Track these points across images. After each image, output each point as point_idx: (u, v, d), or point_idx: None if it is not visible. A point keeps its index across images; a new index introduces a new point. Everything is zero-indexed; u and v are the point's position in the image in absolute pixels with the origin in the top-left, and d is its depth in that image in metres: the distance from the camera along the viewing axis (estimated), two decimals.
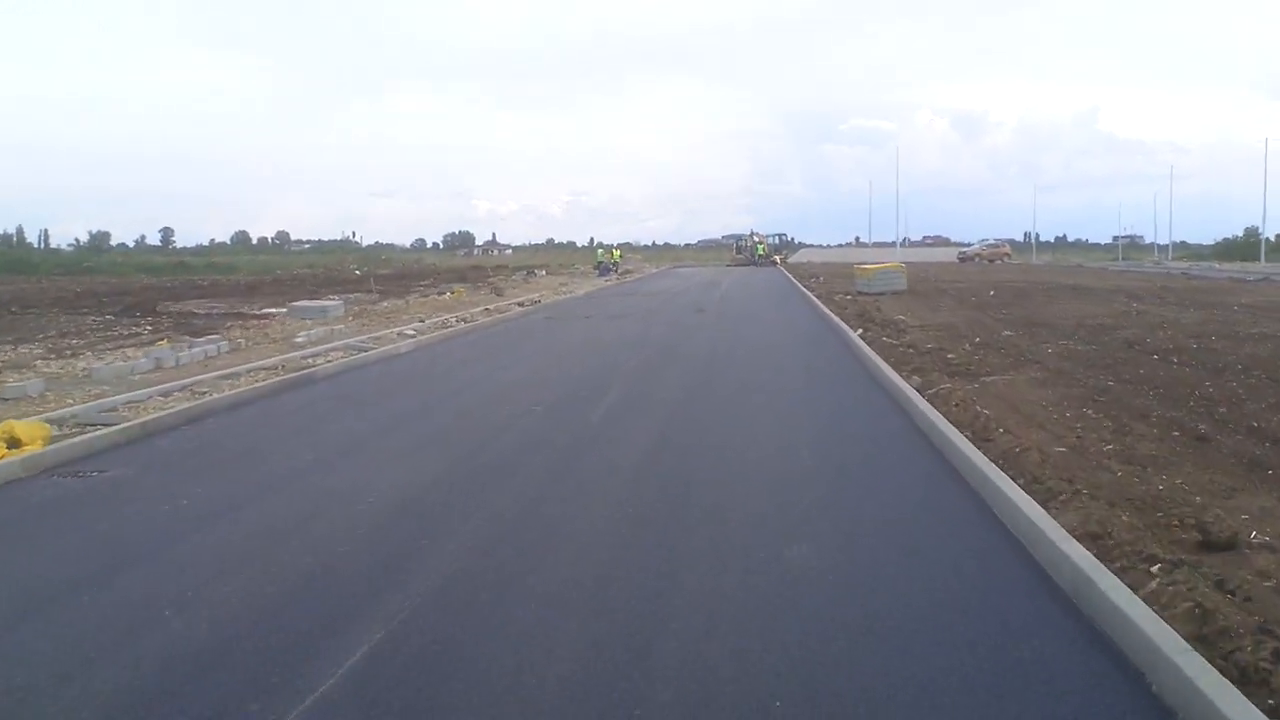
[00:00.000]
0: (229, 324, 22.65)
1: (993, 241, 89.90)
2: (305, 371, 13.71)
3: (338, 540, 5.85)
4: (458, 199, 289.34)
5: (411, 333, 20.10)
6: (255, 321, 23.91)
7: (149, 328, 21.69)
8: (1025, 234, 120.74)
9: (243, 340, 17.73)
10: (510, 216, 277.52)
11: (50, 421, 9.42)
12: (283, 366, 14.44)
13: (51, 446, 8.38)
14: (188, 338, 18.28)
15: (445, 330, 20.90)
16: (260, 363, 14.53)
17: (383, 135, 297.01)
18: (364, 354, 16.05)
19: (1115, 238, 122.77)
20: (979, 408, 9.54)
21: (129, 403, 10.68)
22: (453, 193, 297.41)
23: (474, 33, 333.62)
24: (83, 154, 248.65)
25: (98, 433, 8.97)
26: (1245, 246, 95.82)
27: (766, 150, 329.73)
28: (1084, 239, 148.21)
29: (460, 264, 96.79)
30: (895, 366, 12.52)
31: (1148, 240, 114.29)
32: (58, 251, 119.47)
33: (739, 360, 14.73)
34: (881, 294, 28.36)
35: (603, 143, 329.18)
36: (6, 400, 11.10)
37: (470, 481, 7.32)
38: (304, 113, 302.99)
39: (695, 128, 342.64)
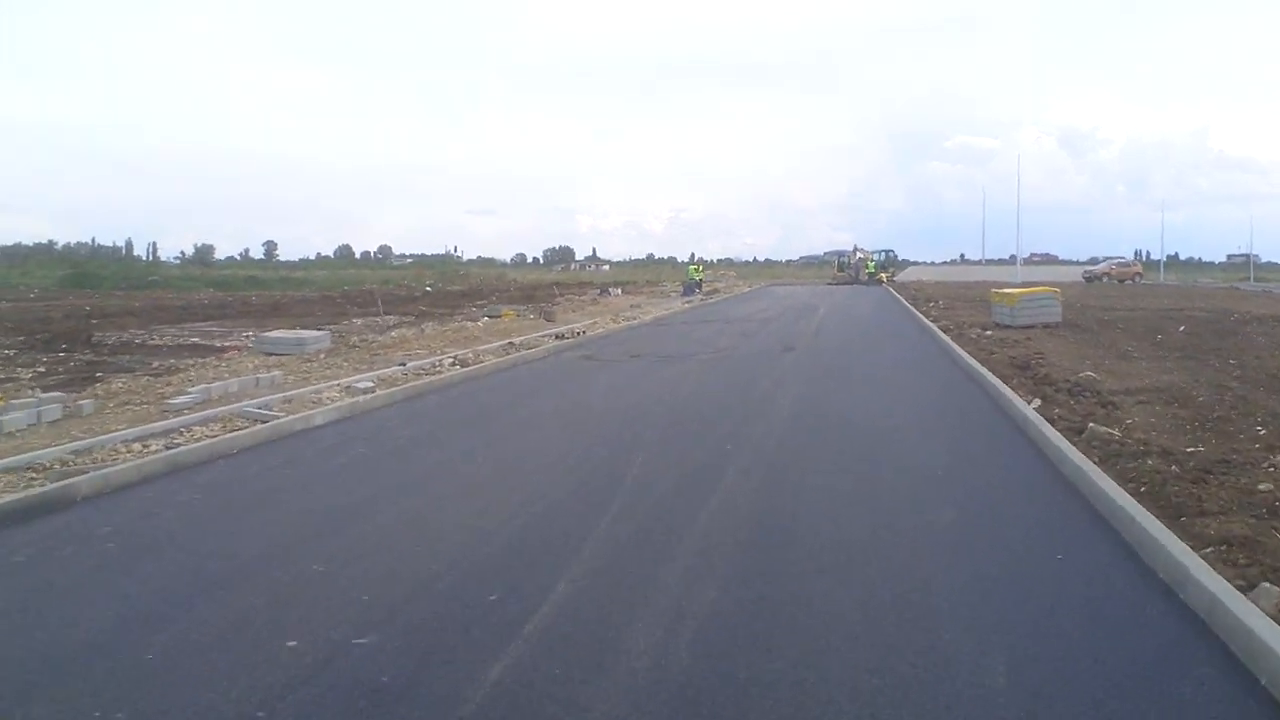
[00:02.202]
0: (158, 363, 17.09)
1: (1122, 259, 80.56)
2: (68, 482, 7.74)
3: None
4: (559, 214, 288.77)
5: (369, 384, 14.17)
6: (208, 359, 18.41)
7: (41, 369, 16.26)
8: (1135, 251, 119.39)
9: (92, 399, 11.95)
10: (612, 232, 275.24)
11: None
12: (60, 463, 8.59)
13: None
14: (37, 392, 12.63)
15: (423, 380, 14.92)
16: (21, 458, 8.65)
17: (483, 155, 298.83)
18: (243, 432, 10.11)
19: (1229, 256, 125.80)
20: None
21: None
22: (554, 208, 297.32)
23: (576, 51, 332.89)
24: (193, 168, 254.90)
25: None
26: None
27: (867, 166, 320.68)
28: (1195, 257, 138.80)
29: (545, 279, 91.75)
30: (1189, 535, 5.87)
31: (1264, 259, 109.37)
32: (160, 264, 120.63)
33: (830, 477, 8.22)
34: (1030, 327, 21.36)
35: (704, 159, 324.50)
36: None
37: None
38: (409, 130, 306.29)
39: (795, 143, 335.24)
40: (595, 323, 27.49)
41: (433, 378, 15.48)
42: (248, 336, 23.04)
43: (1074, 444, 8.41)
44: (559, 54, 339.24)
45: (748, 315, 31.87)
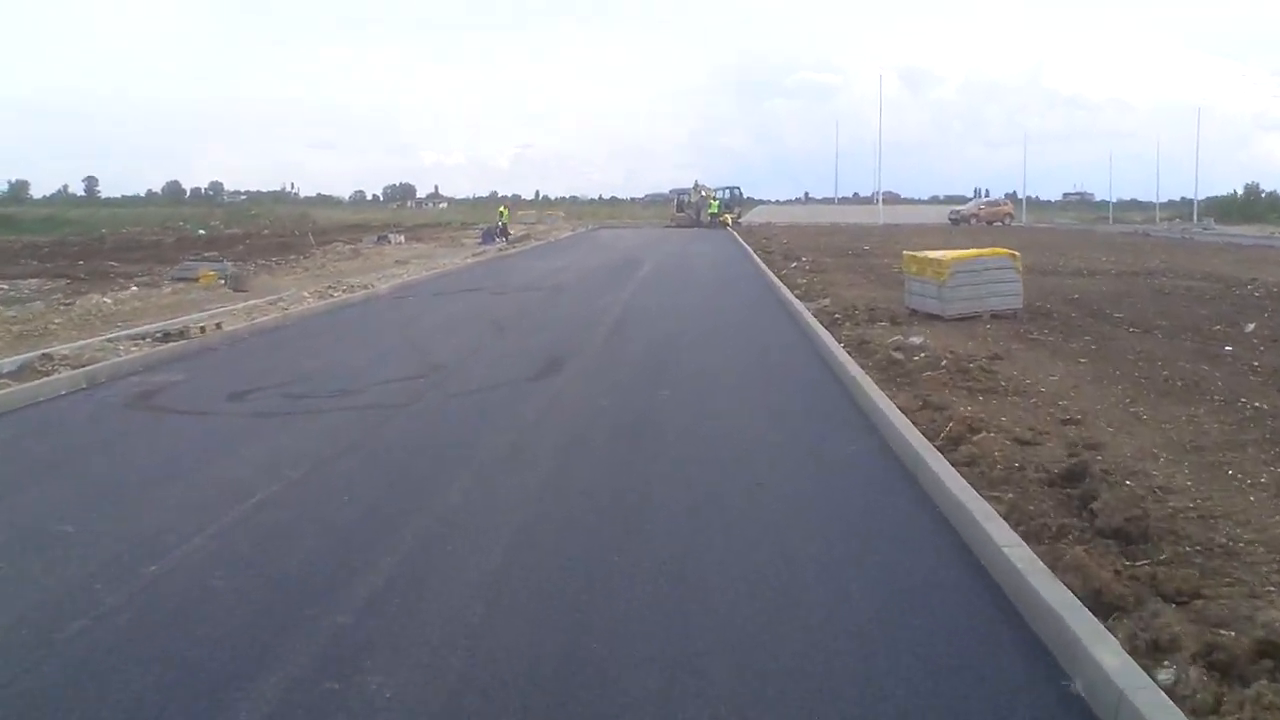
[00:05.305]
0: None
1: (991, 199, 74.92)
2: None
3: None
4: (402, 151, 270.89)
5: None
6: None
7: None
8: (976, 190, 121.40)
9: None
10: (456, 169, 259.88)
11: None
12: None
13: None
14: None
15: None
16: None
17: (322, 87, 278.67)
18: None
19: (1065, 194, 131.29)
20: None
21: None
22: (396, 145, 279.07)
23: None
24: (8, 102, 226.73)
25: None
26: (1245, 205, 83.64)
27: (711, 104, 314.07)
28: (1033, 195, 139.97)
29: (359, 219, 79.84)
30: None
31: (1098, 198, 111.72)
32: None
33: None
34: (971, 317, 12.77)
35: (550, 96, 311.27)
36: None
37: None
38: (240, 64, 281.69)
39: (640, 82, 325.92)
40: (281, 300, 17.39)
41: None
42: None
43: None
44: None
45: (538, 279, 22.36)
